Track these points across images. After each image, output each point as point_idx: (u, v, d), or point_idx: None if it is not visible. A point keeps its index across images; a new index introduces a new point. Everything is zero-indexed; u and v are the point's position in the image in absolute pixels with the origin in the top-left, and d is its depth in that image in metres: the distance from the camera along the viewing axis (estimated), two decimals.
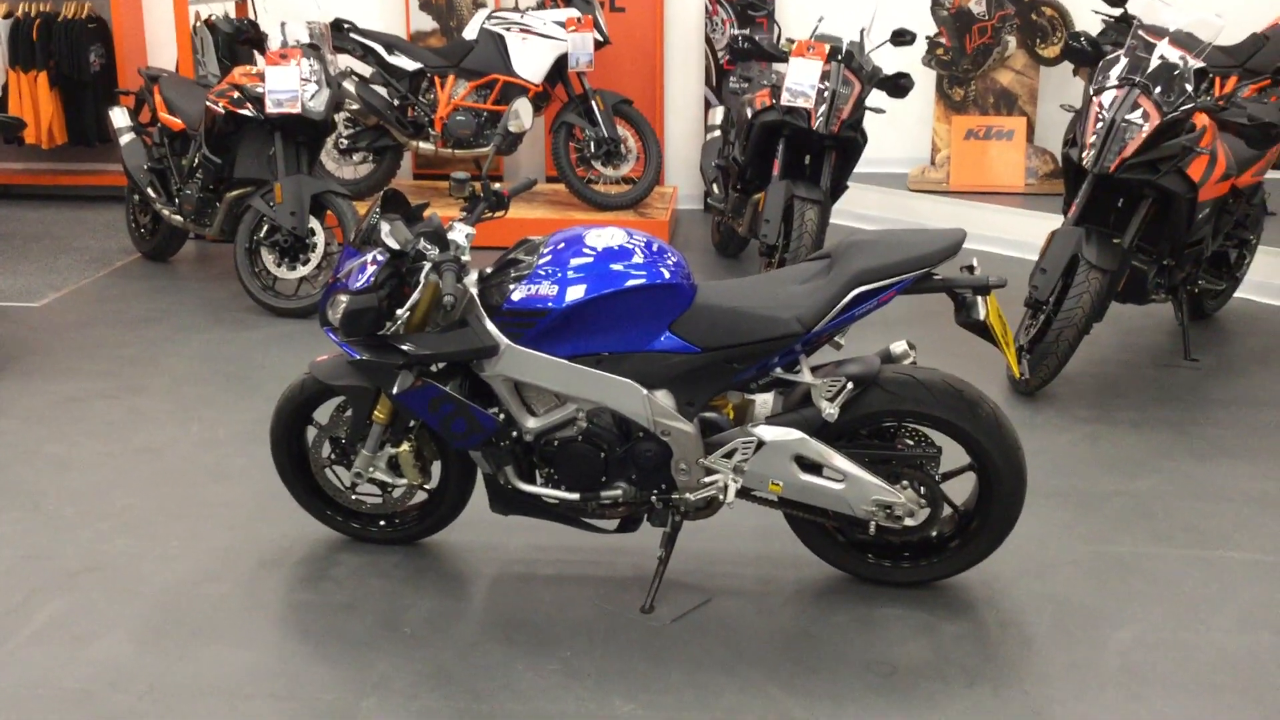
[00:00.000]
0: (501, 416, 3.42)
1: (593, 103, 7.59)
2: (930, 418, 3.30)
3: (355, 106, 7.61)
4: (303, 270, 6.15)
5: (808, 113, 5.96)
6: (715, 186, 7.06)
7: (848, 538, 3.53)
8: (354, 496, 3.74)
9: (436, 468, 3.69)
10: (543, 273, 3.27)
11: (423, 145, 7.78)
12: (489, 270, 3.40)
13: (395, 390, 3.32)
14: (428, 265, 3.25)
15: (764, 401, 3.45)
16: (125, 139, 7.00)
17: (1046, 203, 7.97)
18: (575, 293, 3.21)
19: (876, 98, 6.25)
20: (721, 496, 3.39)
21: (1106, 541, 3.87)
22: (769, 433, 3.31)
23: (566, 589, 3.57)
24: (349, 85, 7.60)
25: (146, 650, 3.26)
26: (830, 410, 3.25)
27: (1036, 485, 4.20)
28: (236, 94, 6.19)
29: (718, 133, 7.25)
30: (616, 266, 3.24)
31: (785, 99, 5.98)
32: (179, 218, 6.72)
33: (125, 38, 8.39)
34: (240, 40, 6.84)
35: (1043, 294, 4.98)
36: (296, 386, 3.66)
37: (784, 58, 6.19)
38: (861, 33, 6.25)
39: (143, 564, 3.70)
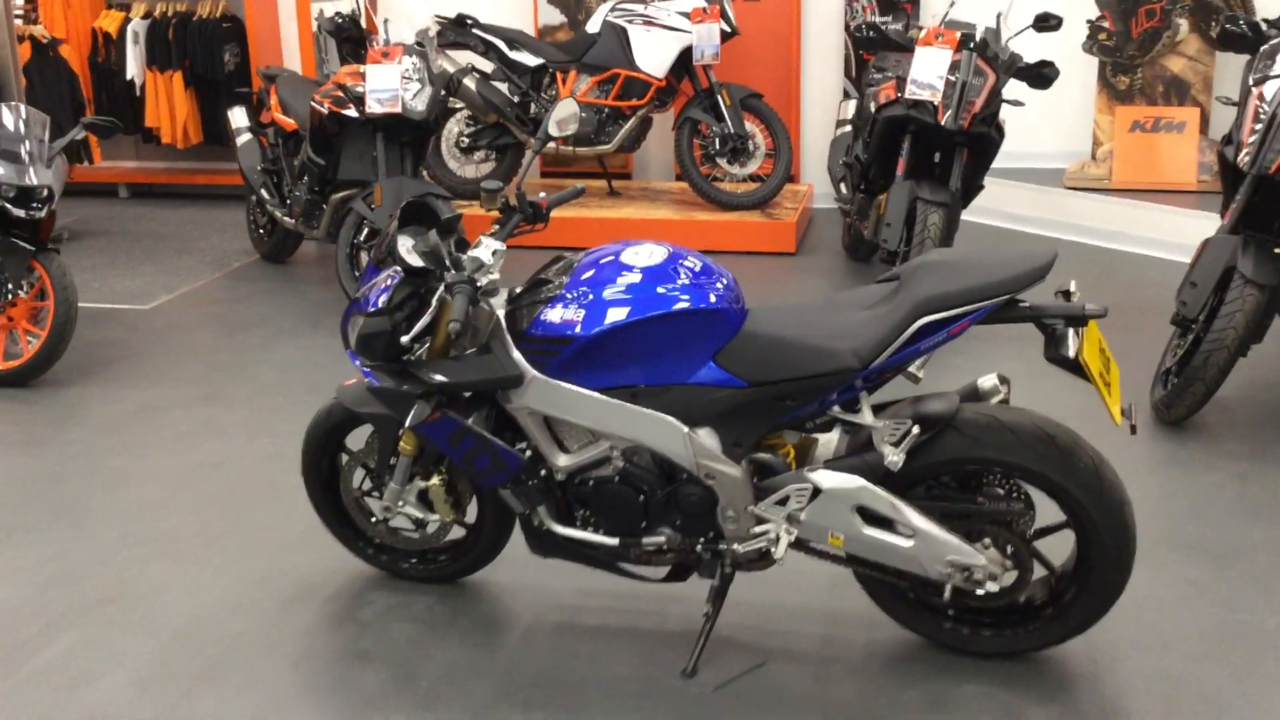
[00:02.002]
0: (529, 453, 3.08)
1: (719, 97, 7.20)
2: (1016, 467, 2.82)
3: (459, 106, 7.39)
4: None
5: (934, 106, 5.44)
6: (843, 186, 6.59)
7: (922, 599, 3.08)
8: (385, 529, 3.46)
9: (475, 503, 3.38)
10: (570, 295, 2.91)
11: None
12: (518, 290, 3.06)
13: (409, 422, 3.01)
14: (441, 287, 2.94)
15: (827, 441, 3.03)
16: (242, 139, 6.93)
17: (1218, 202, 7.23)
18: (603, 318, 2.85)
19: (1015, 90, 5.69)
20: (773, 550, 2.98)
21: (1242, 608, 3.31)
22: (827, 479, 2.89)
23: (605, 643, 3.21)
24: (469, 82, 7.39)
25: (146, 693, 3.04)
26: (893, 458, 2.81)
27: (1168, 535, 3.66)
28: (340, 94, 6.02)
29: (848, 128, 6.76)
30: (653, 289, 2.87)
31: (910, 92, 5.48)
32: (290, 219, 6.61)
33: (259, 37, 8.36)
34: (342, 38, 6.68)
35: (1192, 311, 4.39)
36: (324, 412, 3.40)
37: (911, 47, 5.68)
38: (998, 17, 5.69)
39: (169, 594, 3.49)
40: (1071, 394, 3.92)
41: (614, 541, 3.12)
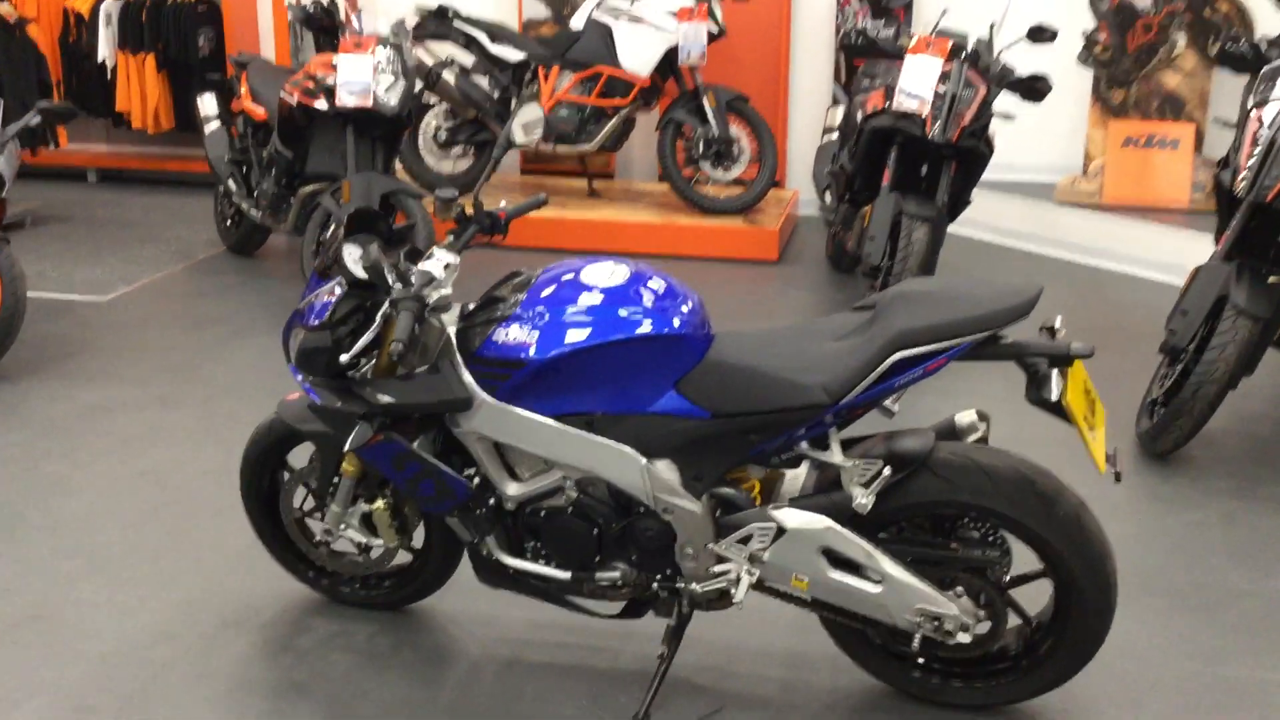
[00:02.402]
0: (477, 480, 2.90)
1: (704, 99, 7.01)
2: (992, 513, 2.64)
3: (433, 100, 7.19)
4: None
5: (922, 118, 5.26)
6: (827, 195, 6.41)
7: (889, 647, 2.91)
8: (327, 553, 3.28)
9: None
10: (525, 315, 2.73)
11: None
12: (471, 307, 2.87)
13: (350, 445, 2.82)
14: (386, 302, 2.75)
15: (794, 477, 2.86)
16: (210, 127, 6.72)
17: (1214, 222, 7.07)
18: (559, 342, 2.67)
19: (1006, 102, 5.52)
20: (733, 590, 2.80)
21: (1224, 660, 3.15)
22: (792, 518, 2.71)
23: (554, 682, 3.03)
24: (449, 76, 7.20)
25: None
26: (862, 500, 2.63)
27: (1148, 578, 3.50)
28: (310, 84, 5.82)
29: (835, 135, 6.59)
30: (613, 311, 2.68)
31: (898, 102, 5.30)
32: (257, 212, 6.40)
33: (235, 21, 8.15)
34: (313, 27, 6.47)
35: (1181, 340, 4.22)
36: (265, 428, 3.21)
37: (902, 55, 5.50)
38: (991, 28, 5.52)
39: (96, 616, 3.30)
40: (1057, 430, 3.75)
41: (566, 575, 2.94)
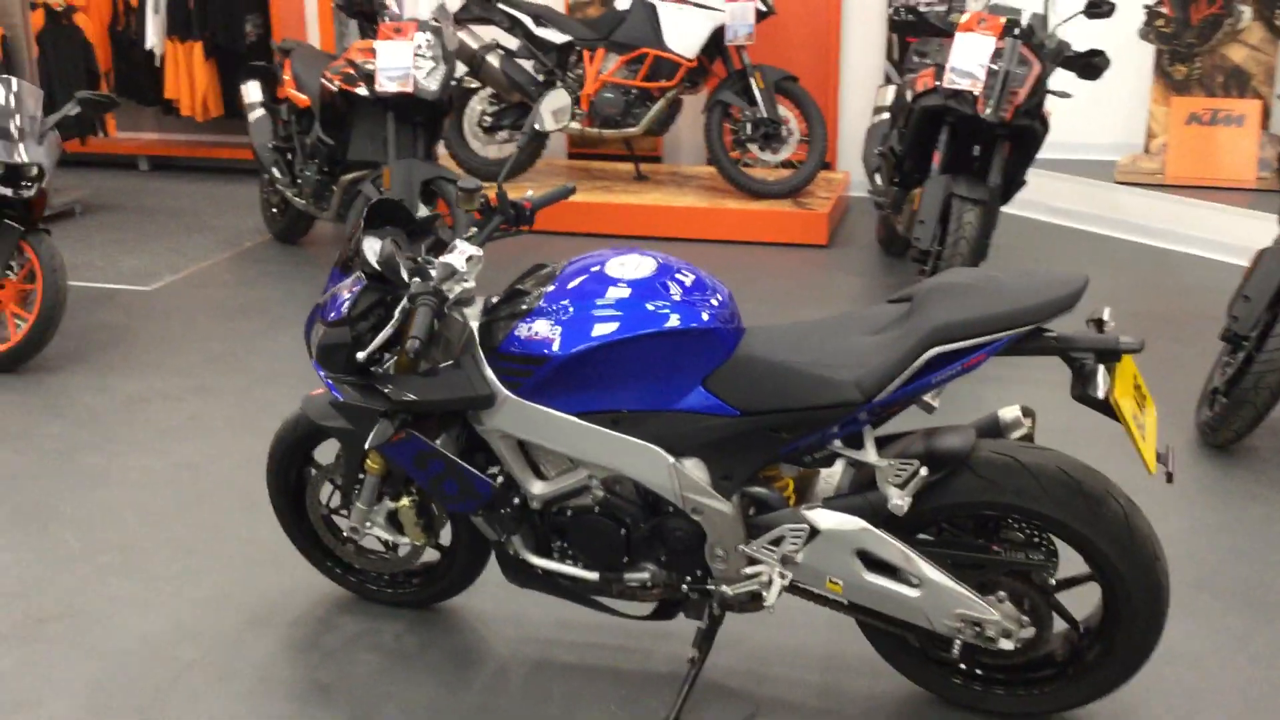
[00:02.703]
0: (500, 479, 2.82)
1: (752, 79, 6.87)
2: (1035, 515, 2.52)
3: (475, 85, 7.11)
4: None
5: (974, 97, 5.10)
6: (877, 177, 6.25)
7: (929, 653, 2.79)
8: (354, 550, 3.22)
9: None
10: (548, 309, 2.64)
11: (569, 124, 7.22)
12: (494, 300, 2.79)
13: (370, 443, 2.75)
14: (406, 297, 2.67)
15: (829, 476, 2.74)
16: (255, 115, 6.69)
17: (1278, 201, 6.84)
18: (583, 337, 2.57)
19: (1062, 80, 5.33)
20: (765, 594, 2.70)
21: None
22: (826, 519, 2.60)
23: (583, 684, 2.95)
24: (493, 60, 7.12)
25: None
26: (897, 501, 2.52)
27: (1206, 577, 3.35)
28: (351, 70, 5.76)
29: (885, 115, 6.42)
30: (639, 305, 2.58)
31: (948, 80, 5.14)
32: (300, 200, 6.37)
33: (282, 8, 8.12)
34: (355, 13, 6.41)
35: (1244, 327, 4.04)
36: (290, 423, 3.15)
37: (952, 32, 5.33)
38: (1046, 2, 5.33)
39: (122, 613, 3.26)
40: (1110, 426, 3.62)
41: (594, 576, 2.85)
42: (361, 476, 3.06)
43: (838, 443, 2.59)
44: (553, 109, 3.05)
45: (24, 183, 4.87)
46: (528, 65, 7.22)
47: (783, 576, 2.67)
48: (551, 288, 2.69)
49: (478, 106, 7.42)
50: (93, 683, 2.97)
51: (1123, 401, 2.40)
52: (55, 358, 5.09)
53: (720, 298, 2.67)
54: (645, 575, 2.81)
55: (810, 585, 2.70)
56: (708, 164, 7.88)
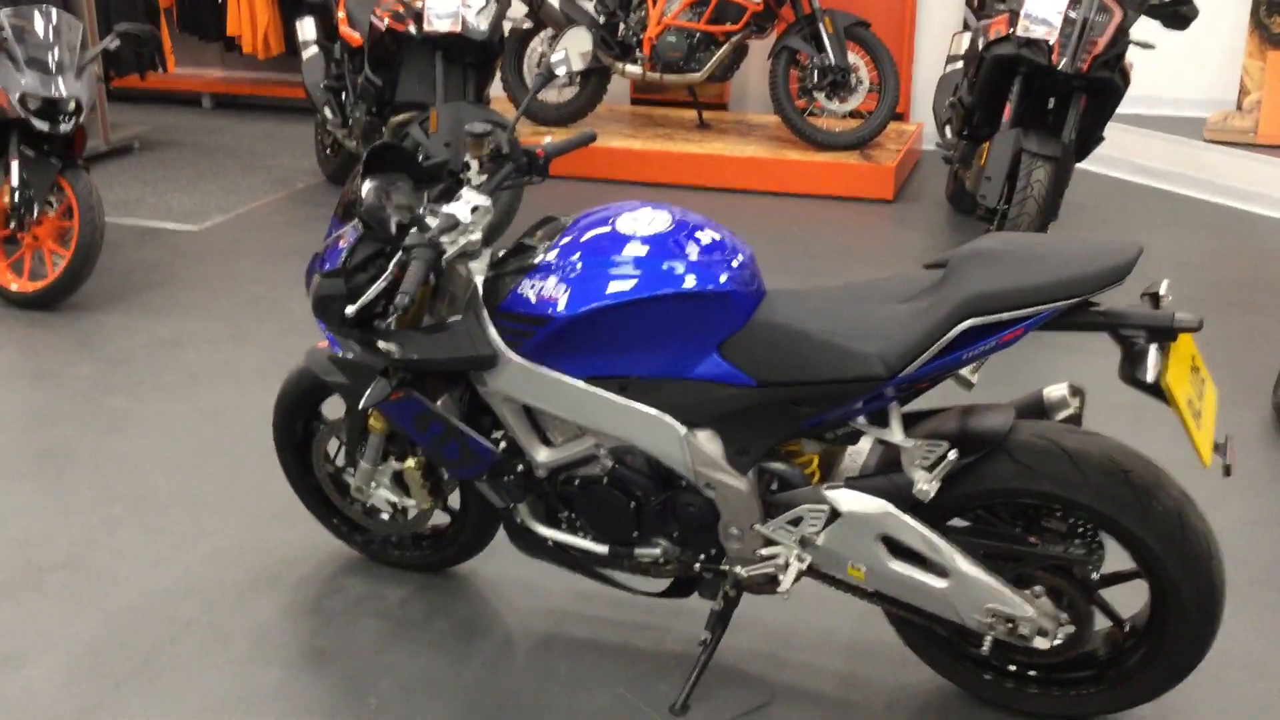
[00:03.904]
0: (503, 445, 2.65)
1: (820, 24, 6.58)
2: (1077, 506, 2.30)
3: (532, 26, 6.90)
4: None
5: (1050, 46, 4.79)
6: (947, 129, 5.95)
7: (959, 647, 2.59)
8: (361, 510, 3.08)
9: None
10: (554, 266, 2.45)
11: (629, 68, 7.00)
12: (501, 253, 2.61)
13: (365, 402, 2.60)
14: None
15: (855, 454, 2.54)
16: (308, 53, 6.55)
17: None
18: (588, 298, 2.39)
19: (1146, 29, 5.00)
20: (780, 577, 2.52)
21: None
22: (846, 500, 2.41)
23: (591, 663, 2.79)
24: (552, 0, 6.90)
25: (73, 685, 2.71)
26: (924, 486, 2.31)
27: (1268, 572, 3.10)
28: (401, 8, 5.59)
29: (959, 64, 6.11)
30: (651, 264, 2.39)
31: (1023, 28, 4.84)
32: (351, 141, 6.23)
33: None
34: None
35: None
36: (294, 377, 3.01)
37: None
38: None
39: (126, 566, 3.17)
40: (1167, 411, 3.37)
41: (603, 549, 2.69)
42: (365, 434, 2.91)
43: (862, 419, 2.38)
44: (575, 50, 2.84)
45: (61, 117, 4.77)
46: (588, 5, 7.00)
47: (800, 560, 2.49)
48: (559, 243, 2.50)
49: (538, 49, 7.21)
50: (87, 640, 2.87)
51: (1176, 386, 2.16)
52: (94, 296, 5.02)
53: (740, 258, 2.46)
54: (657, 551, 2.64)
55: (830, 570, 2.51)
56: (775, 113, 7.62)
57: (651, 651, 2.83)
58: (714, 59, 6.81)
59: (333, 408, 3.07)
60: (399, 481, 2.95)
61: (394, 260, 2.48)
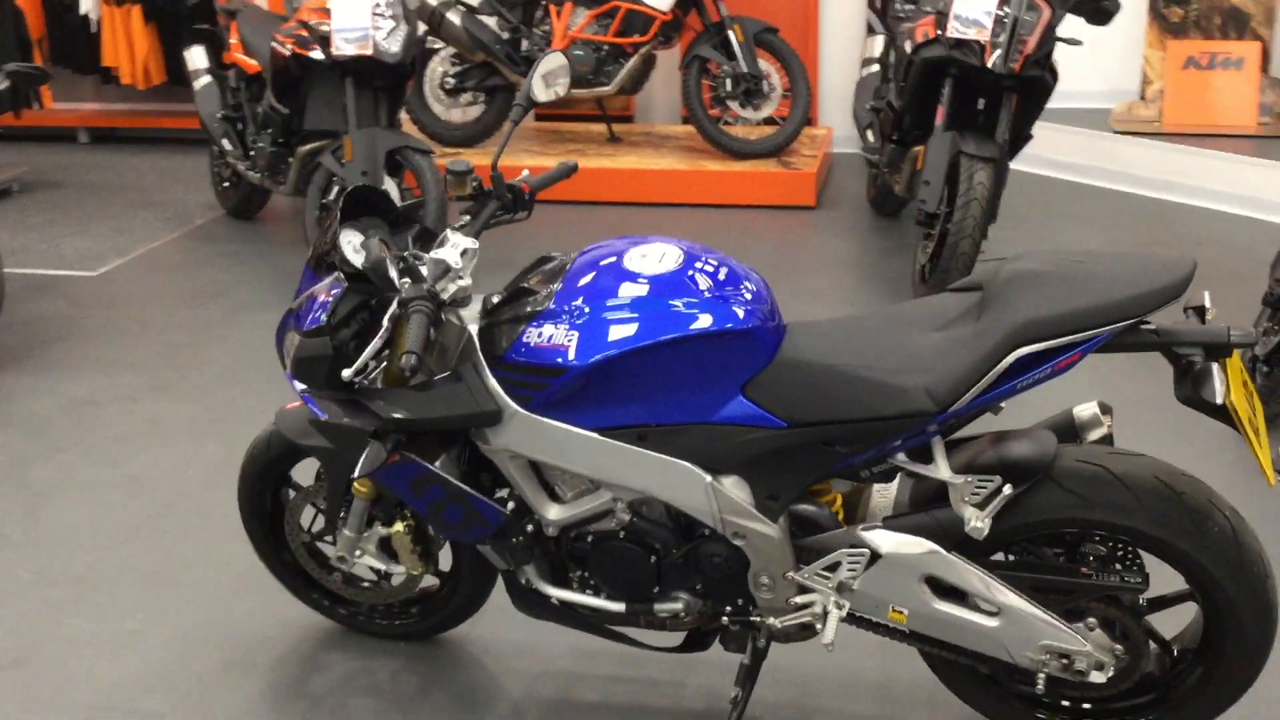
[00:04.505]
0: (512, 505, 2.47)
1: (730, 32, 6.49)
2: (1131, 532, 2.20)
3: (438, 46, 6.70)
4: None
5: (981, 46, 4.75)
6: (869, 134, 5.90)
7: (1004, 686, 2.48)
8: (341, 579, 2.86)
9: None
10: (560, 311, 2.28)
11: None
12: (496, 299, 2.43)
13: (360, 471, 2.39)
14: (394, 302, 2.30)
15: (884, 492, 2.42)
16: (200, 82, 6.23)
17: None
18: (603, 344, 2.22)
19: (1071, 26, 5.00)
20: (819, 626, 2.38)
21: None
22: (887, 541, 2.28)
23: None
24: (454, 18, 6.68)
25: None
26: (977, 524, 2.19)
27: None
28: (304, 32, 5.33)
29: (875, 68, 6.06)
30: (666, 304, 2.23)
31: (953, 29, 4.78)
32: (254, 173, 5.93)
33: None
34: None
35: None
36: (263, 441, 2.78)
37: None
38: None
39: (83, 657, 2.90)
40: (1180, 421, 3.34)
41: (619, 607, 2.52)
42: (347, 500, 2.69)
43: (901, 456, 2.26)
44: (545, 72, 2.66)
45: None
46: (491, 21, 6.80)
47: (839, 607, 2.35)
48: (562, 285, 2.33)
49: (439, 68, 6.99)
50: None
51: (1238, 404, 2.08)
52: None
53: (756, 291, 2.32)
54: (678, 606, 2.48)
55: (869, 614, 2.38)
56: (683, 123, 7.51)
57: (670, 709, 2.67)
58: (624, 71, 6.67)
59: (304, 472, 2.84)
60: (385, 548, 2.74)
61: (387, 315, 2.28)
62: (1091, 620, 2.29)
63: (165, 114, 8.08)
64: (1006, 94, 4.90)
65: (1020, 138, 5.15)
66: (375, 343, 2.27)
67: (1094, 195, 6.57)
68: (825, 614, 2.36)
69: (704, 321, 2.22)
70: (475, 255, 2.40)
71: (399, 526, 2.68)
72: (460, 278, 2.35)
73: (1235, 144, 6.63)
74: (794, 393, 2.23)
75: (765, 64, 6.57)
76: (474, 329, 2.37)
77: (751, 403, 2.25)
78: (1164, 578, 2.31)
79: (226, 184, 6.46)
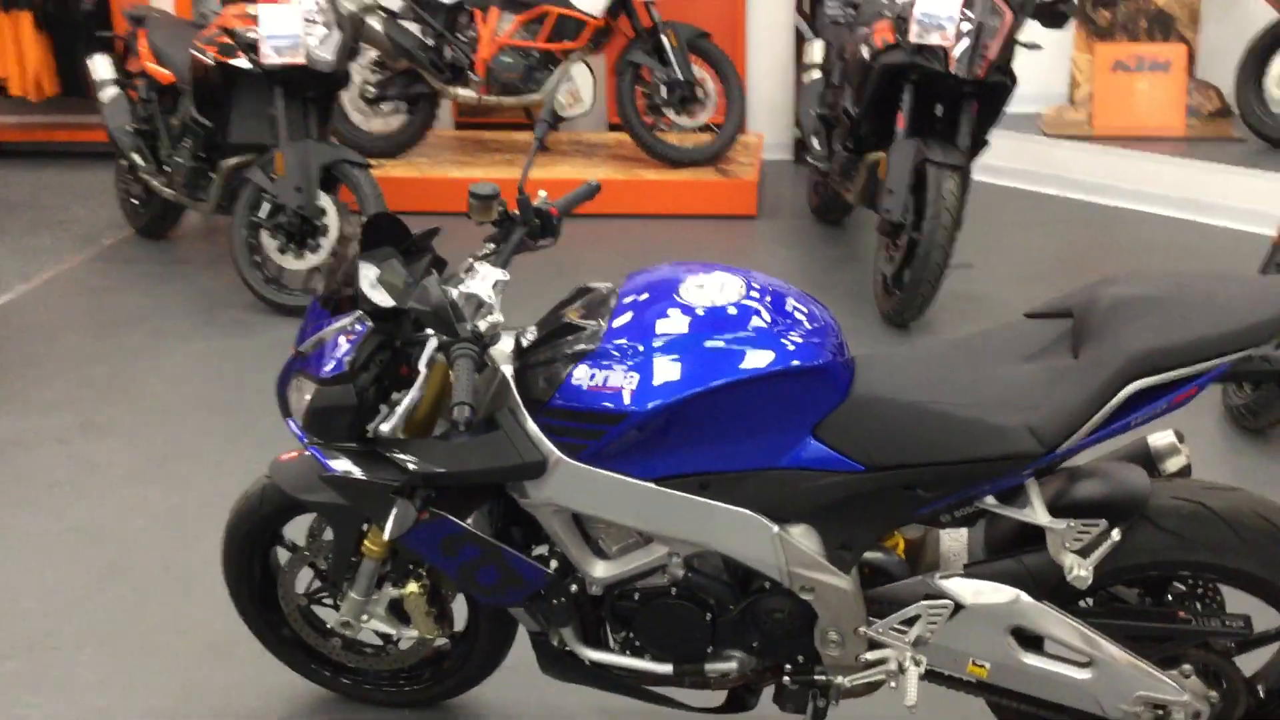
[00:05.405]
0: (554, 563, 2.24)
1: (664, 38, 6.30)
2: (1236, 573, 2.06)
3: (374, 54, 6.40)
4: (312, 259, 4.96)
5: (944, 52, 4.64)
6: (815, 140, 5.76)
7: None
8: (343, 645, 2.60)
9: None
10: (612, 350, 2.06)
11: (462, 92, 6.55)
12: (530, 335, 2.20)
13: (390, 533, 2.14)
14: (430, 344, 2.06)
15: (955, 538, 2.24)
16: (107, 94, 5.82)
17: (1210, 149, 6.63)
18: (666, 387, 2.02)
19: (1030, 30, 4.92)
20: (894, 684, 2.20)
21: None
22: (972, 591, 2.11)
23: None
24: (374, 23, 6.37)
25: None
26: (1080, 572, 2.03)
27: None
28: (228, 40, 5.00)
29: (817, 73, 5.93)
30: (731, 341, 2.04)
31: (915, 34, 4.66)
32: (170, 189, 5.56)
33: None
34: None
35: None
36: (255, 495, 2.50)
37: None
38: None
39: None
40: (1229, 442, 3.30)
41: (666, 669, 2.31)
42: (354, 560, 2.43)
43: (990, 499, 2.09)
44: (572, 87, 2.44)
45: None
46: (413, 27, 6.51)
47: (916, 663, 2.18)
48: (610, 320, 2.11)
49: (359, 75, 6.67)
50: None
51: None
52: None
53: (824, 322, 2.14)
54: (732, 665, 2.28)
55: (947, 669, 2.21)
56: (611, 130, 7.32)
57: None
58: (555, 78, 6.43)
59: (296, 527, 2.57)
60: (396, 609, 2.48)
61: (423, 360, 2.04)
62: (1186, 667, 2.15)
63: (60, 127, 7.60)
64: (967, 100, 4.80)
65: (978, 144, 5.05)
66: (413, 393, 2.03)
67: (1029, 200, 6.54)
68: (901, 670, 2.18)
69: (774, 358, 2.03)
70: (504, 287, 2.17)
71: (413, 587, 2.42)
72: (492, 312, 2.12)
73: (1164, 146, 6.66)
74: (872, 433, 2.05)
75: (699, 70, 6.41)
76: (508, 370, 2.14)
77: (824, 445, 2.07)
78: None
79: (136, 201, 6.06)
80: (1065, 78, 7.16)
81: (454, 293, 2.08)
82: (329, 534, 2.45)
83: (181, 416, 4.11)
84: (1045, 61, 7.21)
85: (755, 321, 2.07)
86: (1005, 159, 6.82)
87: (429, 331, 2.09)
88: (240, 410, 4.14)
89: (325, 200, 4.93)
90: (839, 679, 2.24)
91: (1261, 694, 2.29)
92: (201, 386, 4.34)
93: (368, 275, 2.09)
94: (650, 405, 2.02)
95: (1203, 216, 6.06)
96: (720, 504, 2.10)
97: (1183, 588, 2.20)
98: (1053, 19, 4.92)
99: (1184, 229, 6.00)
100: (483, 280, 2.14)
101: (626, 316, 2.11)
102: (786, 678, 2.28)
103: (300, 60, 4.88)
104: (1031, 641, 2.16)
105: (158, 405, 4.20)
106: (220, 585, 2.63)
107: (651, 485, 2.09)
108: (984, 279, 5.19)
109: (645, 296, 2.14)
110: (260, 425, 4.00)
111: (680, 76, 6.31)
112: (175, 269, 5.64)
